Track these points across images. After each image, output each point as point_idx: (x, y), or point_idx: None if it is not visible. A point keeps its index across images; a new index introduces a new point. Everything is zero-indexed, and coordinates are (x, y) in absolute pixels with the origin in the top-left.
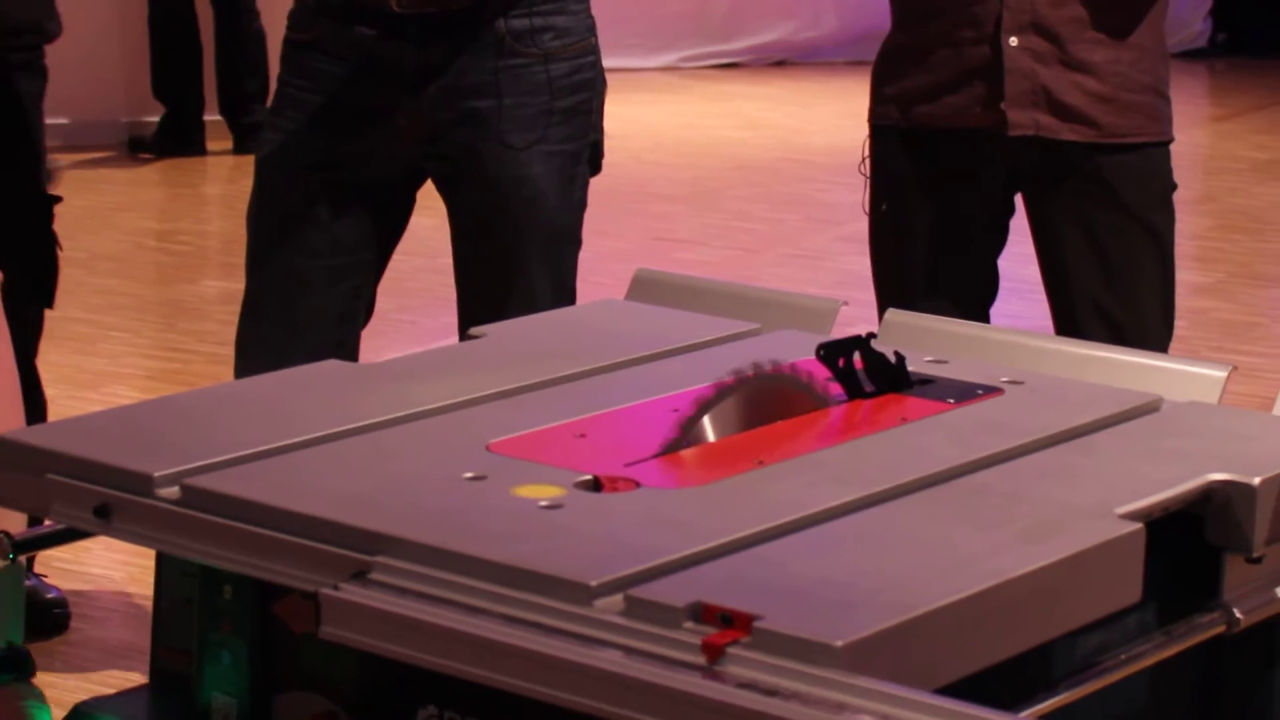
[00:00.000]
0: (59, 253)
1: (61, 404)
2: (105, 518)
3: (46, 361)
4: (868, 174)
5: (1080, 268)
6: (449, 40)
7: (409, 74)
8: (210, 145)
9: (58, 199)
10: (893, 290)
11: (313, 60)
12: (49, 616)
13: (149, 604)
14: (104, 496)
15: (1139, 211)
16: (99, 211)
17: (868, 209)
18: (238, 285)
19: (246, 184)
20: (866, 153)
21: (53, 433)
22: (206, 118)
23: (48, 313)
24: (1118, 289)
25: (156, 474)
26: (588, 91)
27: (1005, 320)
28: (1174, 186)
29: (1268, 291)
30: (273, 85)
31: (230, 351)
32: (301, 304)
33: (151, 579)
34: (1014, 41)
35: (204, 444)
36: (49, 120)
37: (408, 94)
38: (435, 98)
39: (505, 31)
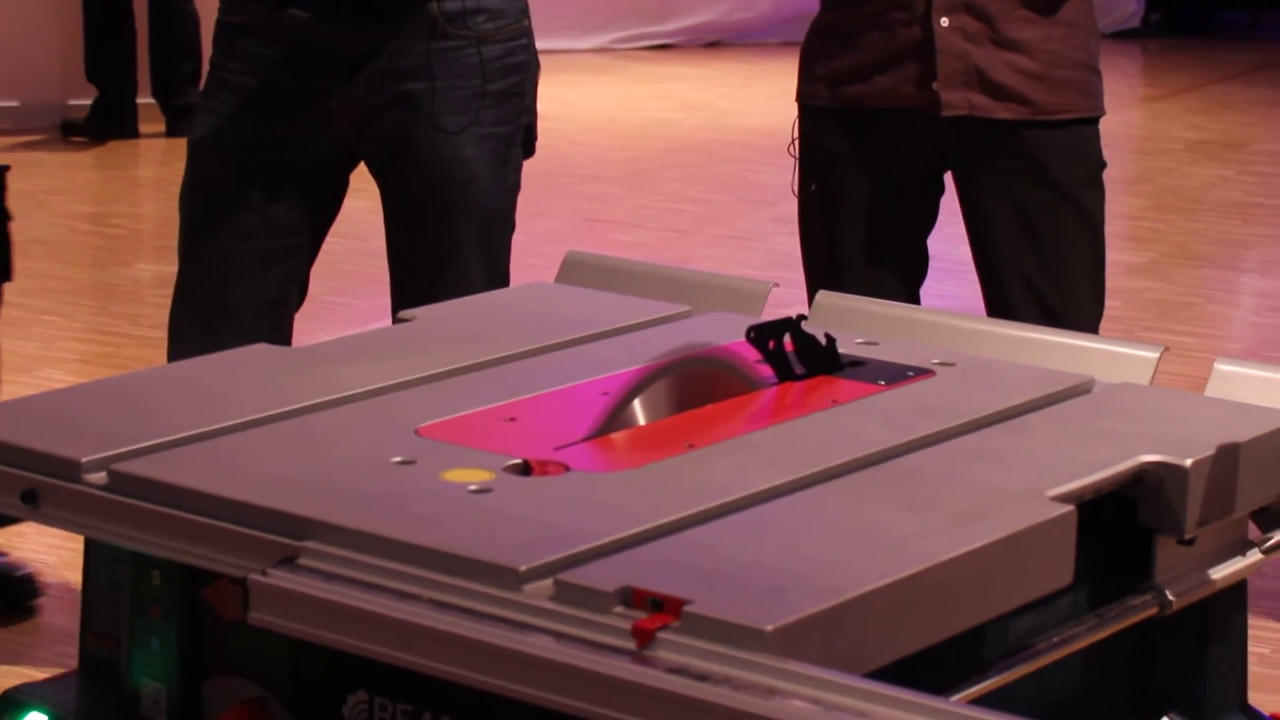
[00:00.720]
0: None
1: None
2: (33, 503)
3: None
4: (797, 155)
5: (1010, 246)
6: (382, 23)
7: (342, 57)
8: (143, 128)
9: (6, 168)
10: (821, 270)
11: (245, 43)
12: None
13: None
14: (31, 482)
15: (1069, 189)
16: (32, 195)
17: (796, 190)
18: (171, 269)
19: (180, 167)
20: (796, 134)
21: None
22: (140, 101)
23: None
24: (1048, 267)
25: (84, 459)
26: (521, 74)
27: (936, 300)
28: (1103, 164)
29: (1201, 271)
30: (206, 68)
31: (164, 335)
32: (234, 287)
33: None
34: (945, 22)
35: (132, 429)
36: None
37: (340, 77)
38: (368, 80)
39: (438, 14)
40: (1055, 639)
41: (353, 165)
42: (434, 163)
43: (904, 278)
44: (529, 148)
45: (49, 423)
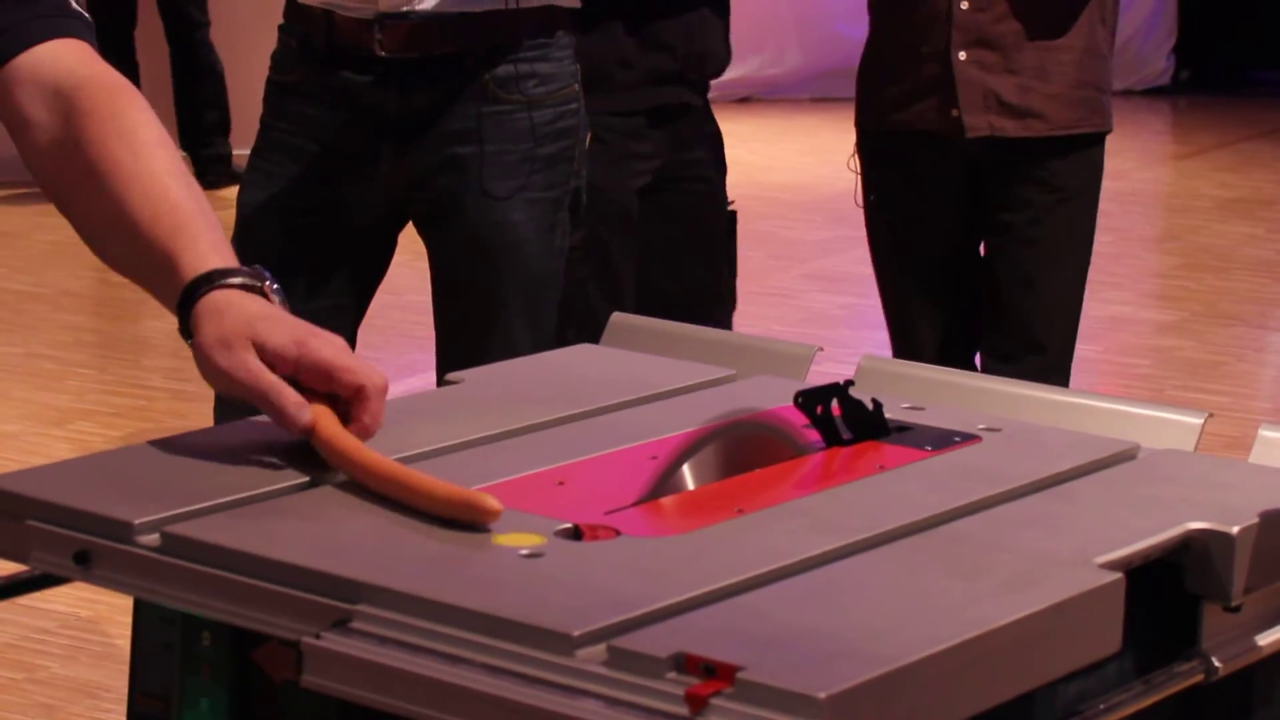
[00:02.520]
0: None
1: (27, 440)
2: (85, 564)
3: (12, 397)
4: (857, 169)
5: (1010, 240)
6: (432, 86)
7: (392, 119)
8: None
9: None
10: (887, 277)
11: (296, 103)
12: None
13: (115, 642)
14: (83, 543)
15: (1070, 194)
16: (63, 246)
17: (859, 202)
18: None
19: None
20: (855, 151)
21: (33, 479)
22: None
23: (14, 349)
24: (1040, 260)
25: (136, 521)
26: (570, 139)
27: None
28: (1100, 175)
29: (1232, 330)
30: (232, 118)
31: (195, 388)
32: None
33: (118, 617)
34: (963, 56)
35: (184, 491)
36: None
37: (390, 139)
38: (418, 143)
39: (489, 78)
40: (1102, 705)
41: (400, 226)
42: (482, 226)
43: (955, 285)
44: (577, 212)
45: (100, 484)
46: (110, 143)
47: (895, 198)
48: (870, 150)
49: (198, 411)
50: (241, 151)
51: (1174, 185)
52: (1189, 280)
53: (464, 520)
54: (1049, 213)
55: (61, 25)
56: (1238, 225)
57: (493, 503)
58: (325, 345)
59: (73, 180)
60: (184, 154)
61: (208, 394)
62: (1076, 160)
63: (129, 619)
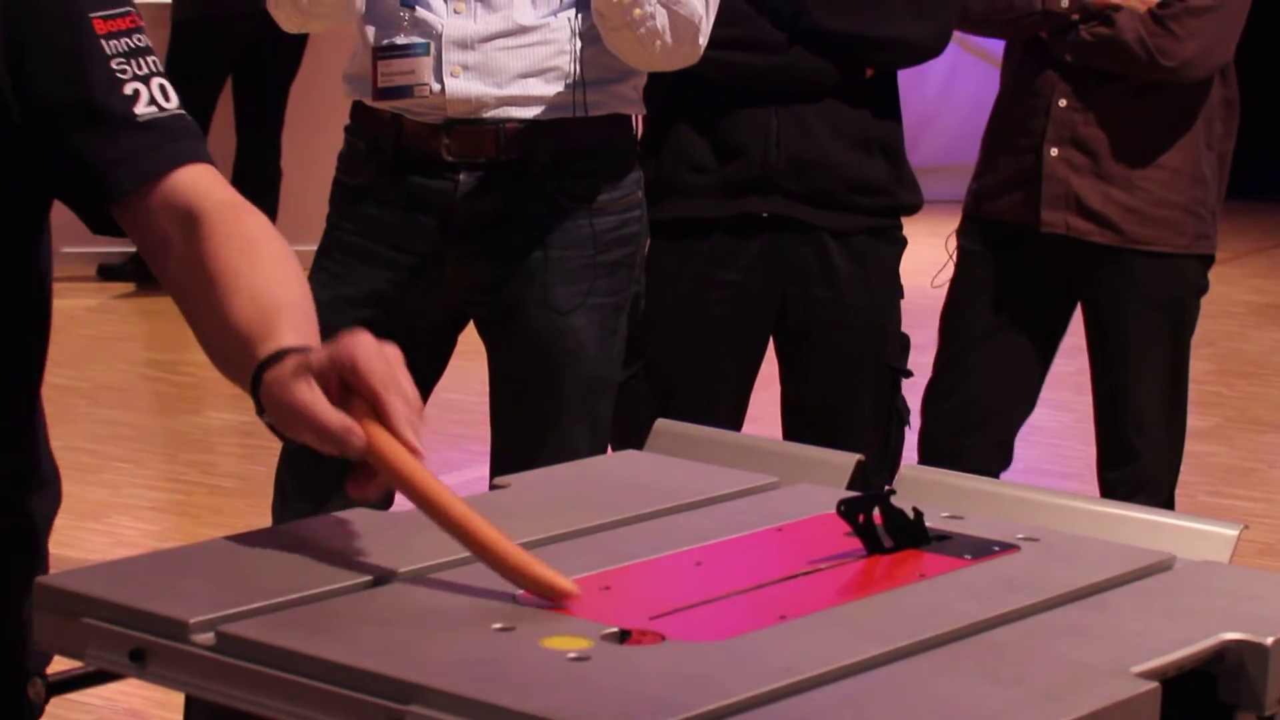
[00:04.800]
0: None
1: (65, 534)
2: (140, 662)
3: None
4: (953, 251)
5: (1103, 357)
6: (499, 191)
7: (458, 223)
8: None
9: None
10: (944, 353)
11: (362, 205)
12: None
13: None
14: (139, 641)
15: (1154, 312)
16: (102, 340)
17: (935, 283)
18: (239, 417)
19: None
20: (956, 231)
21: (90, 577)
22: None
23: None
24: (1130, 377)
25: (192, 620)
26: (633, 245)
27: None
28: (1197, 292)
29: (1266, 437)
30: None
31: (231, 484)
32: None
33: (153, 711)
34: (1054, 152)
35: (239, 590)
36: None
37: (456, 242)
38: (482, 247)
39: (555, 184)
40: None
41: (461, 327)
42: (544, 330)
43: (1011, 379)
44: (636, 316)
45: (156, 583)
46: (232, 256)
47: (975, 284)
48: (964, 233)
49: (233, 507)
50: None
51: (1209, 291)
52: (1222, 386)
53: (535, 593)
54: (1130, 324)
55: (188, 151)
56: (1272, 331)
57: (569, 584)
58: (361, 346)
59: (198, 293)
60: None
61: (245, 490)
62: (1164, 275)
63: (165, 713)
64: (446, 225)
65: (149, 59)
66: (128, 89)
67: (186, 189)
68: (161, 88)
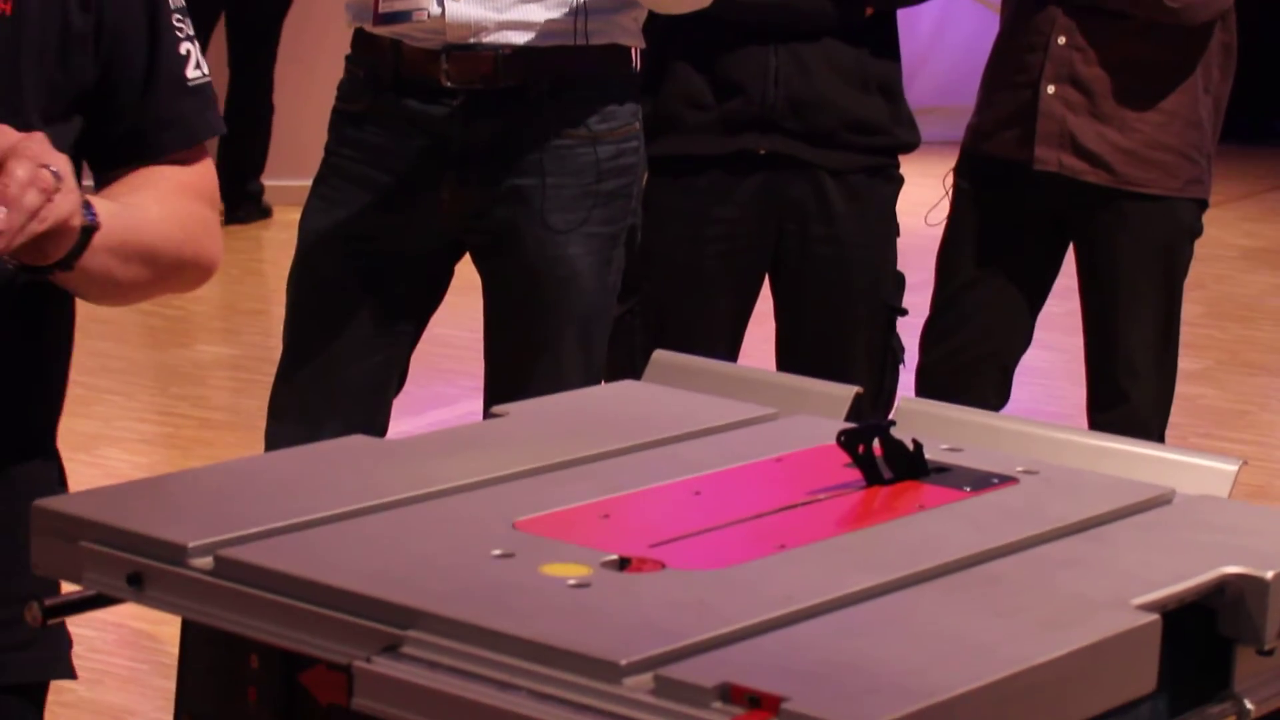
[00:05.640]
0: None
1: None
2: (138, 586)
3: None
4: (949, 187)
5: (1093, 300)
6: (497, 117)
7: (456, 149)
8: None
9: None
10: (941, 292)
11: (361, 131)
12: None
13: (141, 667)
14: (137, 565)
15: (1145, 255)
16: None
17: (929, 220)
18: (230, 351)
19: (238, 252)
20: (954, 169)
21: (87, 500)
22: None
23: None
24: (1122, 320)
25: (190, 544)
26: (630, 176)
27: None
28: (1190, 235)
29: (1257, 379)
30: (270, 160)
31: (221, 417)
32: (335, 372)
33: (143, 643)
34: (1051, 89)
35: (237, 515)
36: None
37: (453, 169)
38: (480, 174)
39: (552, 113)
40: None
41: (458, 257)
42: (539, 259)
43: (1005, 315)
44: (632, 249)
45: (154, 506)
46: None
47: (970, 221)
48: (961, 170)
49: (223, 440)
50: (276, 182)
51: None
52: (1214, 329)
53: None
54: (1122, 267)
55: (215, 122)
56: (1263, 275)
57: None
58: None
59: None
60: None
61: (235, 423)
62: (1157, 217)
63: (155, 645)
64: (443, 151)
65: (189, 18)
66: (182, 49)
67: (195, 159)
68: (198, 49)
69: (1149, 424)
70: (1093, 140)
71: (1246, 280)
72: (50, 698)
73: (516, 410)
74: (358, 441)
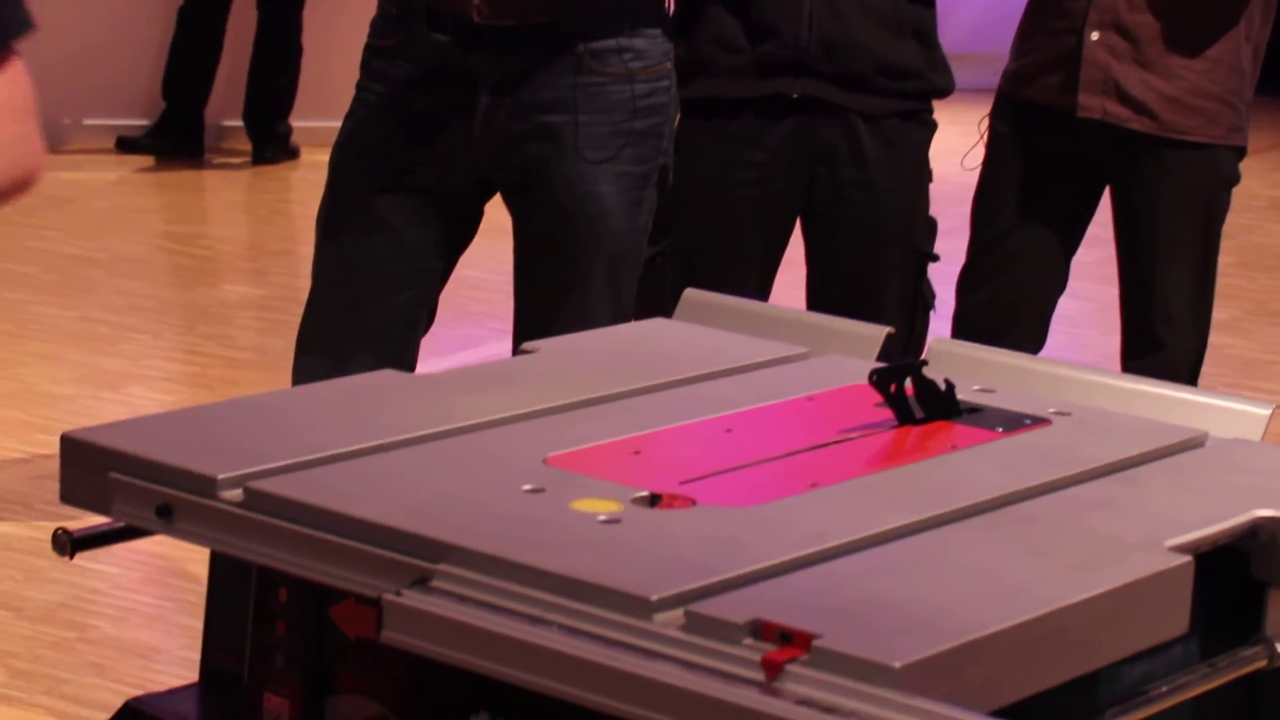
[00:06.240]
0: None
1: (81, 403)
2: (167, 518)
3: (67, 360)
4: (985, 132)
5: (1131, 249)
6: (527, 53)
7: (486, 85)
8: (228, 151)
9: None
10: (977, 238)
11: (392, 67)
12: None
13: (165, 605)
14: (166, 497)
15: (1186, 198)
16: (120, 213)
17: (965, 165)
18: (257, 291)
19: (265, 192)
20: (989, 114)
21: (117, 432)
22: (226, 124)
23: (69, 313)
24: (1158, 270)
25: (220, 476)
26: (661, 115)
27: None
28: (1225, 187)
29: None
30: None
31: (251, 357)
32: (364, 309)
33: (170, 580)
34: (1095, 36)
35: (266, 448)
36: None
37: (484, 105)
38: (510, 110)
39: (584, 50)
40: (1166, 688)
41: (489, 195)
42: (568, 196)
43: (1042, 262)
44: (664, 190)
45: (183, 439)
46: None
47: (1008, 167)
48: (998, 115)
49: (249, 379)
50: (304, 123)
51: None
52: (1242, 279)
53: None
54: (1161, 214)
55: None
56: None
57: None
58: None
59: None
60: (243, 127)
61: (261, 363)
62: (1198, 165)
63: (181, 583)
64: (474, 88)
65: None
66: None
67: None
68: None
69: (1183, 372)
70: (1137, 87)
71: (1276, 230)
72: (75, 635)
73: (547, 347)
74: (388, 376)
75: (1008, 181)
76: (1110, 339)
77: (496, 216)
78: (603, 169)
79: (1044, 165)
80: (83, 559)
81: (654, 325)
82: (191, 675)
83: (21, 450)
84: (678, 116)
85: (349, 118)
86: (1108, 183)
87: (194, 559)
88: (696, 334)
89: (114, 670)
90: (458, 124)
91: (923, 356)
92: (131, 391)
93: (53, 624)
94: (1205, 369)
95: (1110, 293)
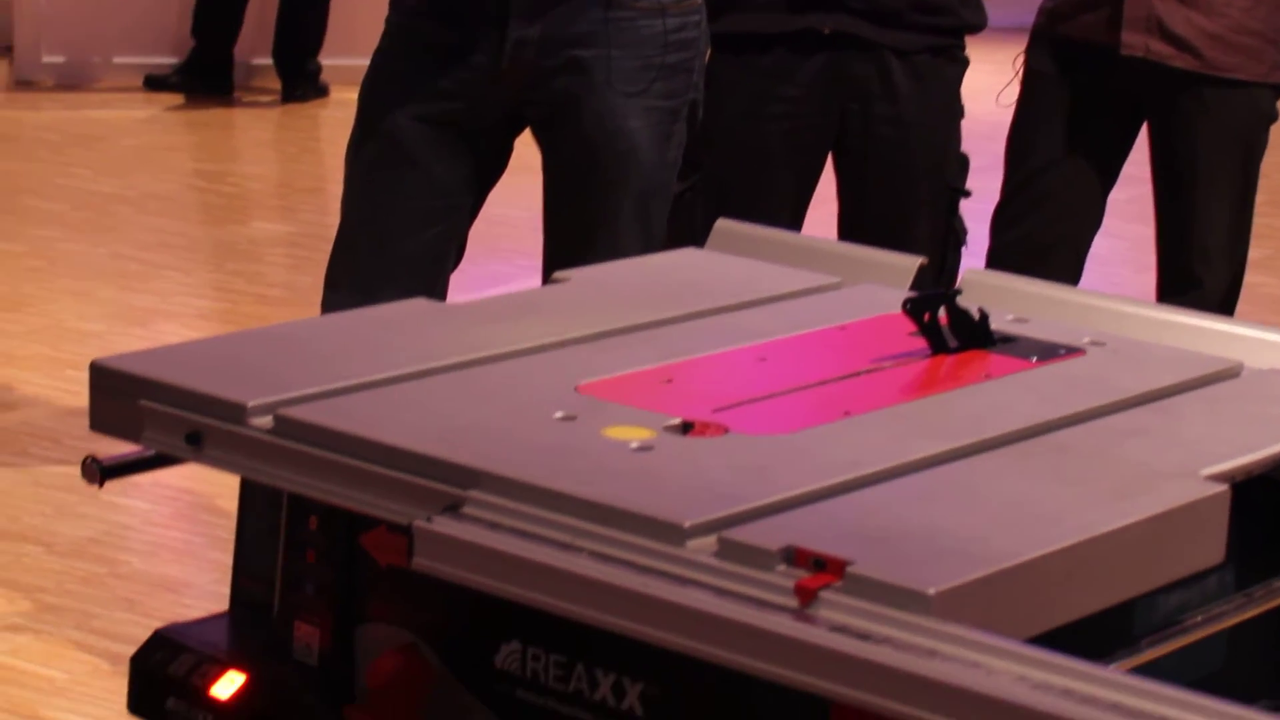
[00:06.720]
0: None
1: (111, 340)
2: (197, 445)
3: (97, 297)
4: (1019, 69)
5: (1168, 186)
6: None
7: (515, 19)
8: (257, 89)
9: None
10: (1011, 176)
11: (420, 2)
12: None
13: (195, 539)
14: (196, 424)
15: (1227, 136)
16: (149, 151)
17: (998, 100)
18: (286, 228)
19: (295, 130)
20: (1023, 53)
21: (146, 360)
22: (255, 62)
23: (100, 250)
24: (1196, 209)
25: (250, 403)
26: (692, 50)
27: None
28: (1268, 121)
29: None
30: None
31: (278, 293)
32: (393, 243)
33: (200, 515)
34: None
35: (297, 375)
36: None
37: (512, 39)
38: (540, 44)
39: None
40: (1201, 617)
41: (518, 130)
42: (598, 131)
43: (1078, 200)
44: (693, 125)
45: (214, 367)
46: None
47: (1045, 104)
48: (1034, 53)
49: (279, 316)
50: (334, 61)
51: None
52: (1274, 218)
53: None
54: (1200, 151)
55: None
56: None
57: None
58: None
59: None
60: (272, 65)
61: (291, 299)
62: (1238, 102)
63: (211, 518)
64: (504, 22)
65: None
66: None
67: None
68: None
69: (1219, 309)
70: (1180, 25)
71: None
72: (105, 570)
73: (578, 276)
74: (419, 305)
75: (1044, 118)
76: (1142, 277)
77: (526, 154)
78: (633, 103)
79: (1081, 102)
80: (113, 494)
81: (686, 255)
82: (222, 609)
83: (51, 386)
84: (708, 51)
85: (378, 53)
86: (1145, 120)
87: (224, 494)
88: (729, 264)
89: (144, 605)
90: (486, 58)
91: (956, 286)
92: (161, 328)
93: (83, 559)
94: (1238, 307)
95: (1142, 231)
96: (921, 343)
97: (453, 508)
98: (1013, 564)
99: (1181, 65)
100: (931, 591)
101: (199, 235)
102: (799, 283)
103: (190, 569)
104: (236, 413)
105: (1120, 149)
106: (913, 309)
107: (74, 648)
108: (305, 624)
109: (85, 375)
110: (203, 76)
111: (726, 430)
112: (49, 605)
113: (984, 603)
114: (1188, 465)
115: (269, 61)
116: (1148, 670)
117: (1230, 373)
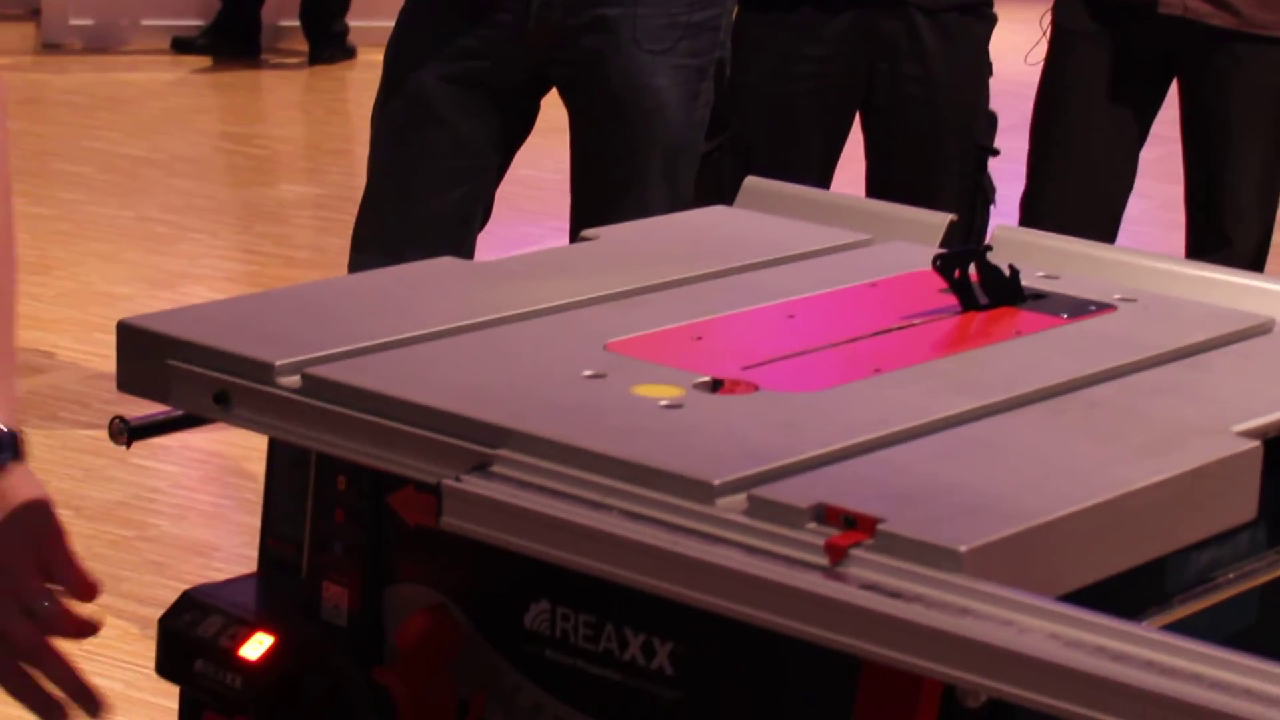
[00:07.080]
0: None
1: (139, 302)
2: (225, 404)
3: (124, 260)
4: (1046, 29)
5: (1198, 143)
6: None
7: None
8: (285, 51)
9: None
10: (1048, 121)
11: None
12: None
13: (224, 503)
14: (224, 383)
15: (1262, 94)
16: (177, 113)
17: (1026, 59)
18: (314, 190)
19: (322, 92)
20: (1049, 12)
21: (174, 319)
22: (283, 24)
23: (127, 212)
24: (1229, 164)
25: (278, 362)
26: (718, 8)
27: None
28: None
29: None
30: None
31: (304, 255)
32: (420, 204)
33: (228, 479)
34: None
35: (324, 334)
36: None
37: None
38: (565, 3)
39: None
40: (1233, 574)
41: (544, 89)
42: (625, 89)
43: (1109, 161)
44: (720, 83)
45: (241, 326)
46: None
47: (1076, 62)
48: (1063, 11)
49: (306, 278)
50: (361, 23)
51: None
52: None
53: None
54: (1233, 109)
55: None
56: None
57: None
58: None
59: None
60: (300, 27)
61: (318, 261)
62: (1273, 60)
63: (239, 480)
64: None
65: None
66: None
67: None
68: None
69: (1249, 267)
70: None
71: None
72: (134, 533)
73: (607, 234)
74: (446, 263)
75: (1075, 77)
76: (1171, 236)
77: (553, 115)
78: (659, 61)
79: (1112, 60)
80: (141, 458)
81: (715, 213)
82: (251, 573)
83: (79, 349)
84: (735, 9)
85: (403, 13)
86: (1176, 77)
87: (252, 457)
88: (758, 221)
89: (173, 568)
90: (512, 17)
91: (986, 243)
92: (189, 290)
93: (112, 522)
94: (1268, 264)
95: (1171, 191)
96: (952, 299)
97: (481, 466)
98: (1044, 521)
99: (1219, 23)
100: (963, 549)
101: (226, 197)
102: (828, 240)
103: (219, 532)
104: (264, 372)
105: (1151, 107)
106: (943, 265)
107: (103, 611)
108: (334, 585)
109: (113, 339)
110: (230, 39)
111: (756, 388)
112: None
113: (1016, 560)
114: (1219, 421)
115: (296, 23)
116: (1180, 627)
117: (1262, 329)
